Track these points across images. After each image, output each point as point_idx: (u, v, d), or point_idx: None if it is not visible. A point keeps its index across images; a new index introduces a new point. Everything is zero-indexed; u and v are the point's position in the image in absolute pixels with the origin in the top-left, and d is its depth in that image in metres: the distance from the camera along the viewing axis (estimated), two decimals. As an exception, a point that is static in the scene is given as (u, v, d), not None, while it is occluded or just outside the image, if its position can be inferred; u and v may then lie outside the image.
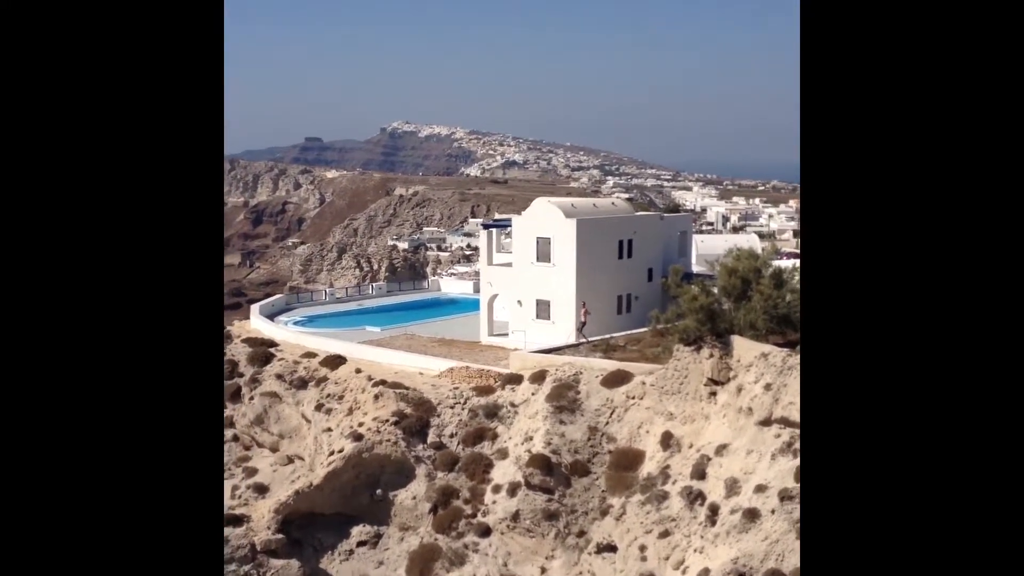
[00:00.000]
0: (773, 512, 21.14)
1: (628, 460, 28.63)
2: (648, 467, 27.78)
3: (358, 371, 37.28)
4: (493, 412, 32.72)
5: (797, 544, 19.37)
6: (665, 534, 24.61)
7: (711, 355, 27.47)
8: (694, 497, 24.54)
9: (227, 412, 40.51)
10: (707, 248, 49.69)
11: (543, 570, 28.01)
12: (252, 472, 36.34)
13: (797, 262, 28.00)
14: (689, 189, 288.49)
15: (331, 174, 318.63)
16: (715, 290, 29.41)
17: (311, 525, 30.96)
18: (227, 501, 33.97)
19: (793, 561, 19.73)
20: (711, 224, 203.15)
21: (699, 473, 25.05)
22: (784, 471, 21.91)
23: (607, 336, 37.48)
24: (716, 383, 27.25)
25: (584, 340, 37.81)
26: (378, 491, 31.35)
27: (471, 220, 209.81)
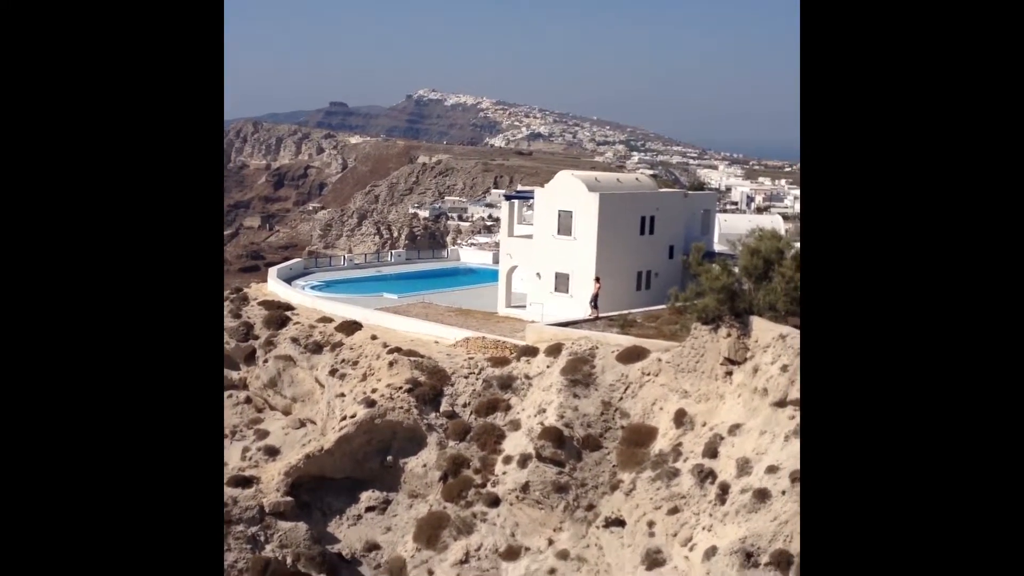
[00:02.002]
0: (784, 493, 20.95)
1: (640, 436, 28.46)
2: (660, 444, 27.61)
3: (374, 337, 37.23)
4: (507, 383, 32.61)
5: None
6: (674, 511, 24.48)
7: (729, 334, 27.19)
8: (705, 475, 24.37)
9: (241, 374, 40.64)
10: (730, 228, 49.15)
11: (550, 542, 27.96)
12: (263, 434, 36.45)
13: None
14: (715, 168, 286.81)
15: (355, 140, 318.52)
16: (736, 270, 29.06)
17: (320, 489, 31.02)
18: (237, 463, 34.10)
19: (803, 544, 19.54)
20: (735, 204, 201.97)
21: (711, 452, 24.87)
22: (796, 453, 21.66)
23: (625, 312, 37.22)
24: (732, 363, 26.99)
25: (596, 314, 37.55)
26: (389, 457, 31.36)
27: (493, 191, 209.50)
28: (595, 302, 38.59)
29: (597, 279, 39.55)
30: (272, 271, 51.81)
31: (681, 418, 27.50)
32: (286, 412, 38.37)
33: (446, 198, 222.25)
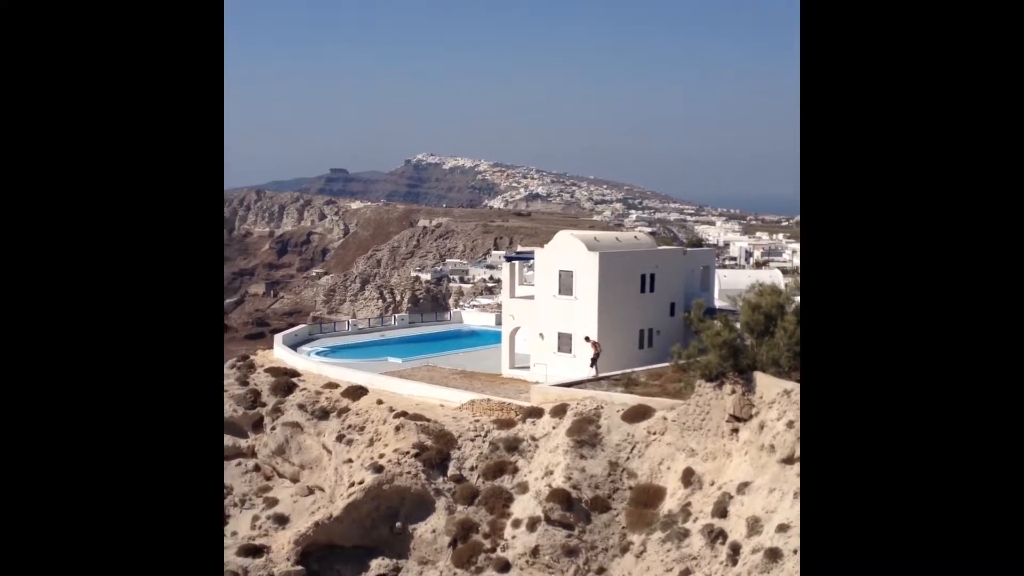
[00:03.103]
0: (795, 552, 20.93)
1: (649, 496, 28.44)
2: (669, 504, 27.59)
3: (379, 402, 37.33)
4: (513, 445, 32.65)
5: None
6: (686, 572, 24.40)
7: (733, 391, 27.33)
8: (715, 535, 24.33)
9: (249, 442, 40.65)
10: (730, 283, 49.52)
11: (562, 606, 27.77)
12: (272, 502, 36.37)
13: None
14: (712, 224, 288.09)
15: (355, 205, 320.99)
16: (738, 326, 29.29)
17: (330, 557, 30.92)
18: (247, 531, 34.00)
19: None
20: (734, 259, 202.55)
21: (721, 511, 24.85)
22: (806, 510, 21.70)
23: (628, 370, 37.35)
24: (738, 420, 27.08)
25: (596, 375, 37.66)
26: (398, 524, 31.28)
27: (494, 252, 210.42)
28: (594, 363, 38.74)
29: (587, 339, 39.66)
30: (278, 337, 52.02)
31: (689, 477, 27.51)
32: (294, 479, 38.31)
33: (447, 260, 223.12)
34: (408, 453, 32.35)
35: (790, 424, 24.16)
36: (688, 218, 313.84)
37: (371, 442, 34.71)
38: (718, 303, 45.60)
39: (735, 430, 27.15)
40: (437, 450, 32.66)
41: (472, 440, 33.32)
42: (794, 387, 25.46)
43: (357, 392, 39.02)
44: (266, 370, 43.90)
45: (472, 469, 32.49)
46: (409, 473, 31.75)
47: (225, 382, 42.98)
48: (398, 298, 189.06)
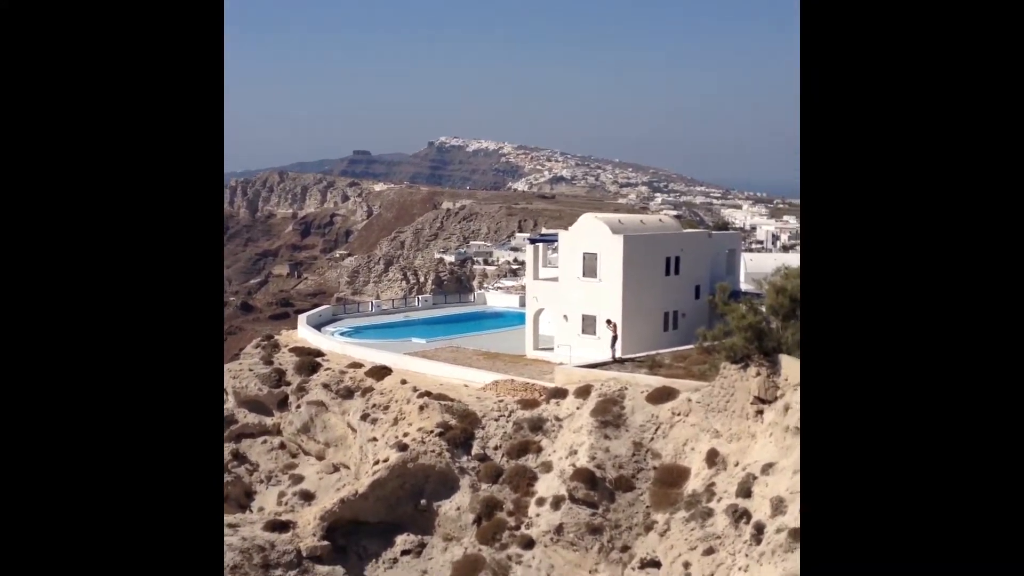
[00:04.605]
0: (819, 532, 20.95)
1: (673, 476, 28.53)
2: (693, 484, 27.66)
3: (403, 382, 37.58)
4: (537, 425, 32.80)
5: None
6: (709, 551, 24.49)
7: (758, 373, 27.31)
8: (739, 515, 24.38)
9: (274, 420, 41.08)
10: (756, 266, 49.34)
11: (585, 585, 27.97)
12: (298, 479, 36.78)
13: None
14: (739, 207, 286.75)
15: (379, 187, 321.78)
16: (763, 308, 29.23)
17: (356, 533, 31.23)
18: (273, 507, 34.42)
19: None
20: (760, 243, 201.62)
21: (745, 491, 24.89)
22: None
23: (653, 352, 37.39)
24: (763, 402, 27.08)
25: (613, 356, 37.72)
26: (422, 501, 31.56)
27: (518, 234, 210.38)
28: (614, 344, 38.84)
29: (608, 322, 39.75)
30: (302, 318, 52.39)
31: (713, 458, 27.56)
32: (320, 457, 38.69)
33: (471, 243, 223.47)
34: (432, 432, 32.58)
35: (815, 406, 24.11)
36: (714, 201, 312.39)
37: (395, 421, 34.98)
38: (744, 286, 45.49)
39: (760, 412, 27.15)
40: (461, 429, 32.87)
41: (496, 420, 33.50)
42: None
43: (381, 372, 39.28)
44: (291, 350, 44.30)
45: (496, 448, 32.69)
46: (433, 452, 31.99)
47: (250, 361, 43.42)
48: (422, 280, 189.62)
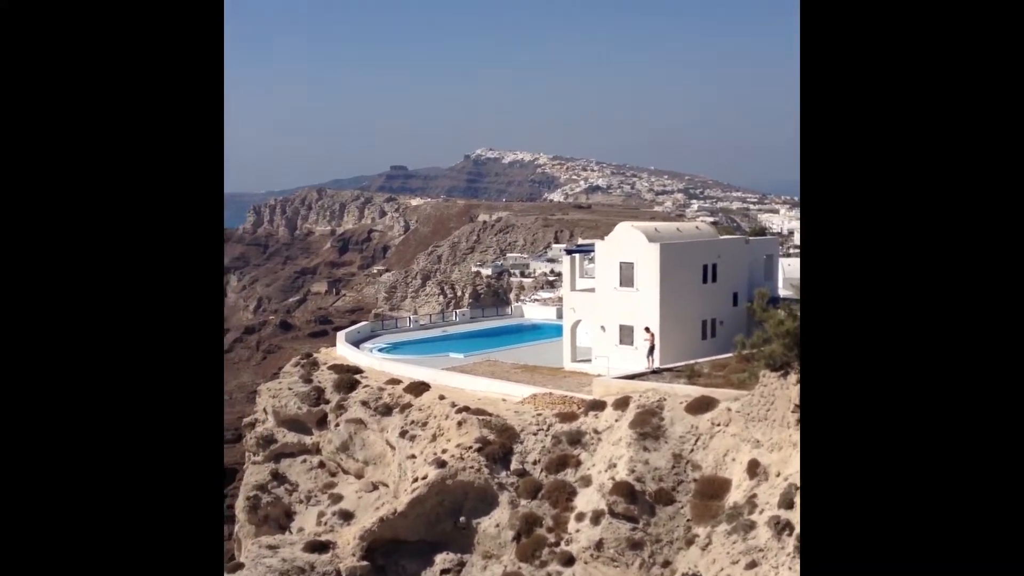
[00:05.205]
0: (865, 544, 20.49)
1: (714, 488, 28.09)
2: (734, 496, 27.21)
3: (442, 398, 37.47)
4: (576, 439, 32.50)
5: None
6: (752, 565, 24.03)
7: (798, 381, 26.83)
8: (782, 527, 23.92)
9: (313, 439, 41.15)
10: (794, 272, 48.67)
11: (628, 600, 27.59)
12: (337, 498, 36.76)
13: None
14: (776, 212, 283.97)
15: (415, 201, 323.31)
16: (802, 314, 28.75)
17: (396, 552, 31.14)
18: (313, 527, 34.41)
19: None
20: (798, 247, 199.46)
21: (787, 502, 24.42)
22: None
23: (691, 362, 36.96)
24: (804, 410, 26.58)
25: (652, 366, 37.39)
26: (461, 518, 31.38)
27: (554, 246, 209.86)
28: (651, 353, 38.51)
29: (647, 330, 39.43)
30: (340, 335, 52.57)
31: (754, 468, 27.09)
32: (359, 475, 38.66)
33: (507, 255, 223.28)
34: (471, 448, 32.42)
35: (858, 414, 23.64)
36: (751, 206, 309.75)
37: (434, 437, 34.86)
38: (782, 292, 44.90)
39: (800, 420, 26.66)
40: (500, 444, 32.68)
41: (535, 434, 33.26)
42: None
43: (419, 388, 39.21)
44: (329, 367, 44.38)
45: (535, 463, 32.44)
46: (472, 468, 31.81)
47: (289, 380, 43.56)
48: (459, 293, 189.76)
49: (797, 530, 23.26)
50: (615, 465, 29.85)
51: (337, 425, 40.02)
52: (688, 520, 28.16)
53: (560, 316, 50.80)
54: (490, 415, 34.36)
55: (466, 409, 35.10)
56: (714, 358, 37.54)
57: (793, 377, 27.04)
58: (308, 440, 41.29)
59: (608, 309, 41.81)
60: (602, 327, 42.10)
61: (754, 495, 26.20)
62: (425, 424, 36.38)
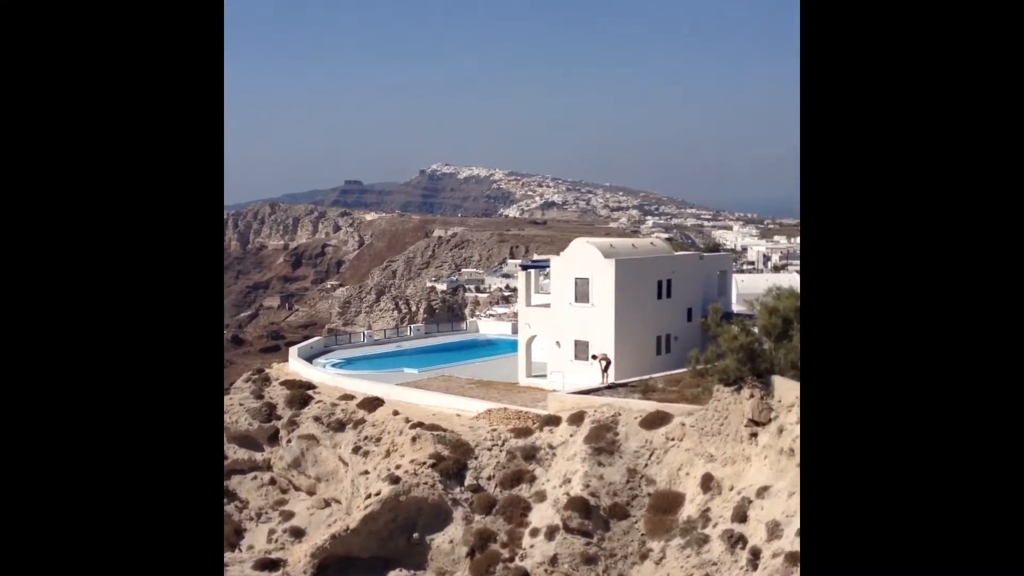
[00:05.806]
0: (818, 557, 20.60)
1: (668, 503, 28.14)
2: (688, 510, 27.28)
3: (396, 413, 37.18)
4: (531, 454, 32.40)
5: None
6: (707, 579, 24.08)
7: (751, 395, 27.01)
8: (735, 540, 24.02)
9: (264, 455, 40.58)
10: (748, 287, 49.21)
11: (582, 616, 27.49)
12: (289, 516, 36.26)
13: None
14: (730, 228, 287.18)
15: (370, 216, 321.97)
16: (755, 330, 28.98)
17: (348, 569, 30.73)
18: (263, 545, 33.88)
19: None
20: (752, 263, 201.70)
21: (740, 516, 24.54)
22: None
23: (646, 377, 37.08)
24: (757, 424, 26.76)
25: (607, 382, 37.47)
26: (415, 534, 31.08)
27: (510, 261, 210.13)
28: (605, 372, 38.63)
29: (595, 356, 39.55)
30: (293, 350, 52.03)
31: (708, 482, 27.20)
32: (311, 492, 38.18)
33: (463, 270, 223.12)
34: (425, 463, 32.16)
35: (810, 428, 23.83)
36: (705, 223, 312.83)
37: (387, 453, 34.55)
38: (736, 308, 45.31)
39: (754, 434, 26.83)
40: (454, 460, 32.45)
41: (489, 449, 33.09)
42: (813, 390, 25.11)
43: (373, 403, 38.89)
44: (281, 383, 43.85)
45: (489, 478, 32.26)
46: (426, 483, 31.55)
47: (240, 395, 42.97)
48: (414, 309, 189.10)
49: (751, 543, 23.38)
50: (570, 480, 29.79)
51: (289, 441, 39.51)
52: (642, 534, 28.17)
53: (515, 331, 50.78)
54: (444, 431, 34.14)
55: (420, 425, 34.85)
56: (668, 373, 37.70)
57: (746, 392, 27.22)
58: (259, 456, 40.70)
59: (563, 325, 41.85)
60: (557, 342, 42.12)
61: (708, 509, 26.30)
62: (379, 440, 36.05)
